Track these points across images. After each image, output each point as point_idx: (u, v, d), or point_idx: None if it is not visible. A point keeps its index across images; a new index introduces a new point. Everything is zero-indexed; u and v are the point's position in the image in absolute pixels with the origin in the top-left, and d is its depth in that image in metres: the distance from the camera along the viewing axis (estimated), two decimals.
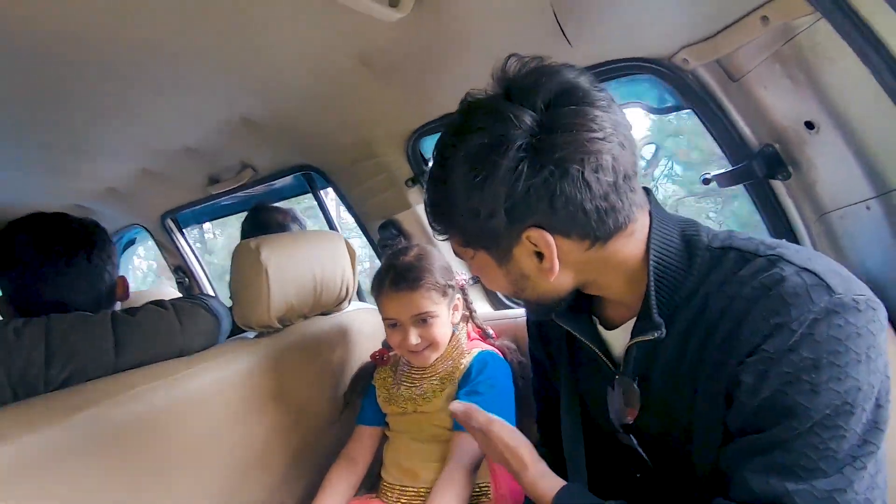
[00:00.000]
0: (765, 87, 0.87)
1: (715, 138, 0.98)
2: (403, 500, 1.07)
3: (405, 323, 1.04)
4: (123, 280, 1.13)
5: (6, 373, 0.78)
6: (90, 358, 0.86)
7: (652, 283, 0.64)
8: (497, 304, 1.59)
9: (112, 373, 0.88)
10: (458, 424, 0.98)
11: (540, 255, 0.63)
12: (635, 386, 0.70)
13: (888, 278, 0.80)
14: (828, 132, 0.82)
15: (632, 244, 0.66)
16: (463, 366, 1.08)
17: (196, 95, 1.24)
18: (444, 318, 1.06)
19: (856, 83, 0.73)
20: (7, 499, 0.68)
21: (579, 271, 0.66)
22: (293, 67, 1.13)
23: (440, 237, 0.70)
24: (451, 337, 1.11)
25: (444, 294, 1.06)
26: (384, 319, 1.08)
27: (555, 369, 0.87)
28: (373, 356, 1.22)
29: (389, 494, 1.09)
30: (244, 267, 1.07)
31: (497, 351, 1.14)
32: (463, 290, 1.17)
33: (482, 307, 1.59)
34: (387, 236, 1.58)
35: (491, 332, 1.21)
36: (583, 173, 0.57)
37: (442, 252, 1.14)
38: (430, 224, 0.70)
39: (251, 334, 1.12)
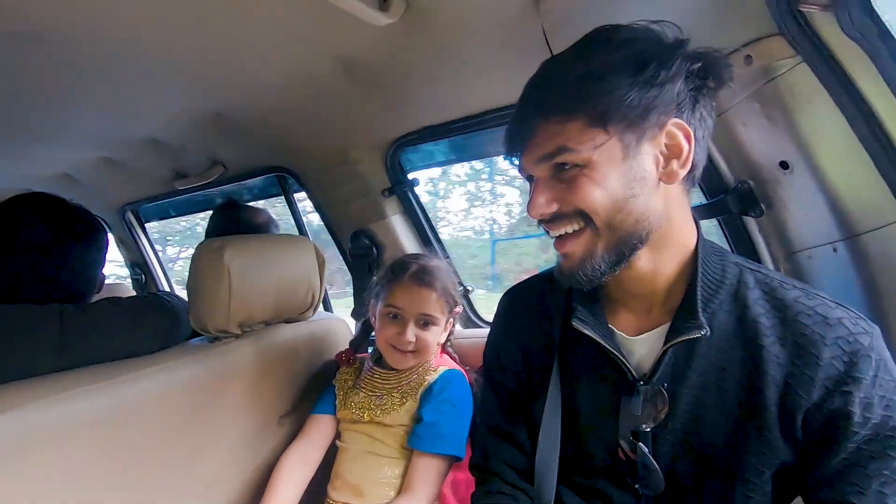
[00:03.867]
0: (743, 125, 0.89)
1: None
2: None
3: (409, 318, 1.04)
4: (103, 278, 1.08)
5: None
6: (29, 354, 0.79)
7: (699, 280, 0.66)
8: (467, 322, 1.57)
9: (52, 371, 0.81)
10: (422, 443, 0.97)
11: (666, 158, 0.64)
12: (664, 392, 0.68)
13: None
14: (801, 173, 0.84)
15: (690, 225, 0.70)
16: (428, 380, 1.06)
17: (168, 86, 1.18)
18: (440, 331, 1.08)
19: (830, 127, 0.76)
20: None
21: (666, 208, 0.66)
22: (273, 65, 1.09)
23: (572, 114, 0.62)
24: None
25: (449, 311, 1.08)
26: (386, 308, 1.07)
27: (525, 375, 0.83)
28: (338, 355, 1.20)
29: None
30: (205, 267, 1.01)
31: (462, 371, 1.12)
32: (454, 319, 1.16)
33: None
34: (359, 246, 1.54)
35: (455, 356, 1.20)
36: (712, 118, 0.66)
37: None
38: (551, 99, 0.64)
39: (207, 339, 1.06)
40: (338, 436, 1.12)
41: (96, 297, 1.00)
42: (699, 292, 0.66)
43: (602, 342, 0.70)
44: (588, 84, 0.61)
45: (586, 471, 0.77)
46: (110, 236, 2.44)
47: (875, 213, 0.75)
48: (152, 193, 2.03)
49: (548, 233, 0.70)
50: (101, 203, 2.22)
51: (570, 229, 0.66)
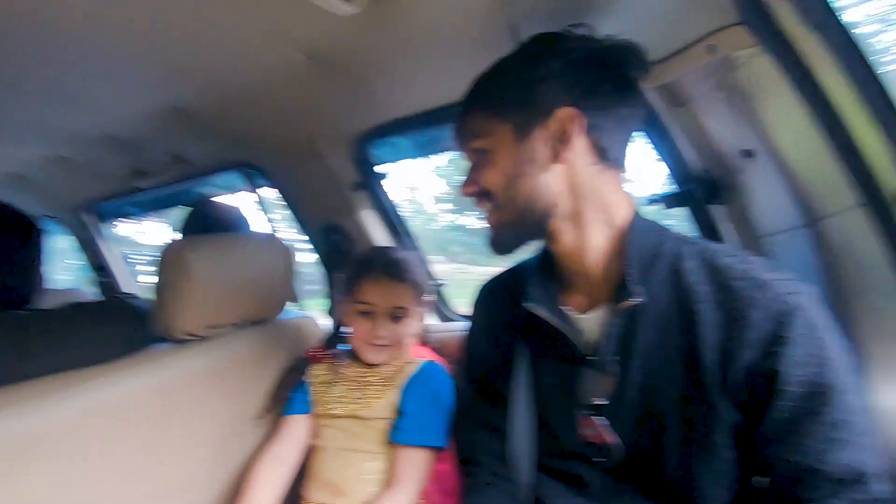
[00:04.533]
0: (706, 114, 0.90)
1: (663, 160, 1.01)
2: None
3: (380, 313, 1.02)
4: (41, 277, 1.03)
5: None
6: None
7: (629, 252, 0.71)
8: (444, 317, 1.56)
9: (15, 380, 0.77)
10: (406, 436, 0.97)
11: (554, 141, 0.71)
12: (613, 364, 0.70)
13: None
14: (763, 160, 0.86)
15: (619, 205, 0.74)
16: (407, 372, 1.04)
17: (122, 79, 1.13)
18: (414, 323, 1.06)
19: (791, 115, 0.77)
20: None
21: (572, 186, 0.72)
22: (234, 56, 1.05)
23: (477, 108, 0.76)
24: None
25: (420, 303, 1.07)
26: (356, 305, 1.04)
27: (500, 365, 0.85)
28: (308, 353, 1.16)
29: None
30: (170, 269, 0.98)
31: (442, 362, 1.11)
32: (426, 308, 1.14)
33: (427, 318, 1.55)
34: (334, 242, 1.52)
35: (433, 347, 1.18)
36: (625, 103, 0.73)
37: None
38: (471, 96, 0.77)
39: (170, 344, 1.02)
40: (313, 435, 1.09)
41: (55, 302, 0.95)
42: (631, 264, 0.70)
43: (551, 320, 0.75)
44: (489, 82, 0.76)
45: (560, 455, 0.78)
46: (66, 239, 2.35)
47: (834, 199, 0.77)
48: (111, 192, 1.95)
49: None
50: (57, 203, 2.12)
51: (486, 206, 0.77)
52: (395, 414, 1.01)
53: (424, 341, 1.18)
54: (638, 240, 0.72)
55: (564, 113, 0.69)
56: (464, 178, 0.78)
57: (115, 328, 0.92)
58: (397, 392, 1.02)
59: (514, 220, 0.75)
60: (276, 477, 1.02)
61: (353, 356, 1.10)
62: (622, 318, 0.70)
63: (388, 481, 0.97)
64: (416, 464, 0.97)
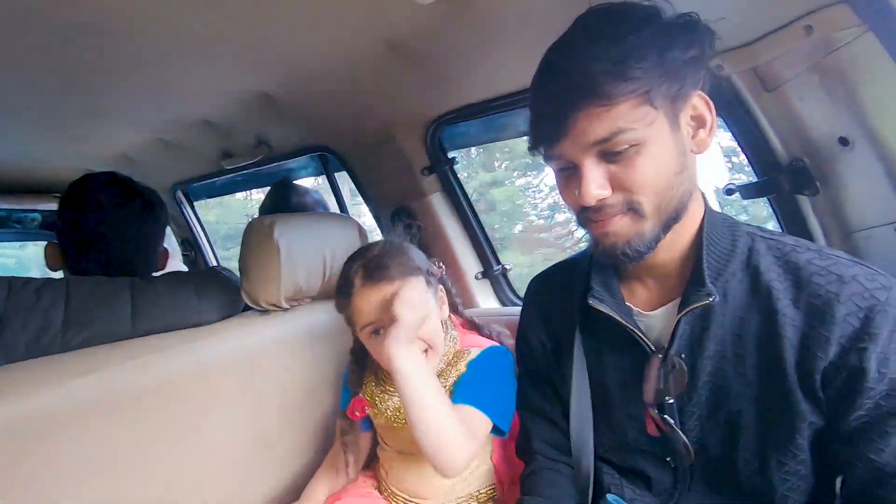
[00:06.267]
0: (801, 99, 0.85)
1: (743, 149, 0.96)
2: None
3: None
4: (166, 252, 1.14)
5: (22, 333, 0.78)
6: (107, 323, 0.86)
7: (705, 248, 0.68)
8: (506, 300, 1.58)
9: (127, 339, 0.88)
10: (456, 398, 0.87)
11: (694, 129, 0.67)
12: (682, 363, 0.69)
13: None
14: (861, 149, 0.80)
15: (699, 199, 0.71)
16: (459, 370, 0.93)
17: (216, 68, 1.22)
18: (435, 314, 0.91)
19: (894, 101, 0.72)
20: (15, 452, 0.68)
21: (694, 176, 0.68)
22: (316, 46, 1.11)
23: (621, 96, 0.60)
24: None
25: (429, 284, 0.92)
26: (362, 329, 0.90)
27: (554, 358, 0.86)
28: (350, 413, 0.96)
29: (392, 502, 1.01)
30: (256, 243, 1.06)
31: (495, 342, 1.01)
32: (443, 280, 1.01)
33: (487, 302, 1.58)
34: (401, 224, 1.57)
35: (478, 321, 1.07)
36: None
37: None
38: (608, 80, 0.60)
39: (258, 311, 1.12)
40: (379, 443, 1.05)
41: (161, 272, 1.07)
42: (706, 261, 0.67)
43: (619, 318, 0.72)
44: (630, 64, 0.60)
45: (623, 450, 0.78)
46: None
47: None
48: (201, 172, 2.11)
49: (586, 224, 0.70)
50: (154, 182, 2.30)
51: (615, 212, 0.66)
52: None
53: (466, 320, 1.08)
54: (713, 235, 0.69)
55: (699, 97, 0.66)
56: (587, 181, 0.64)
57: (211, 296, 1.02)
58: (455, 379, 0.93)
59: (659, 225, 0.66)
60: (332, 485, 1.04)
61: None
62: (693, 317, 0.68)
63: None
64: (468, 421, 0.83)
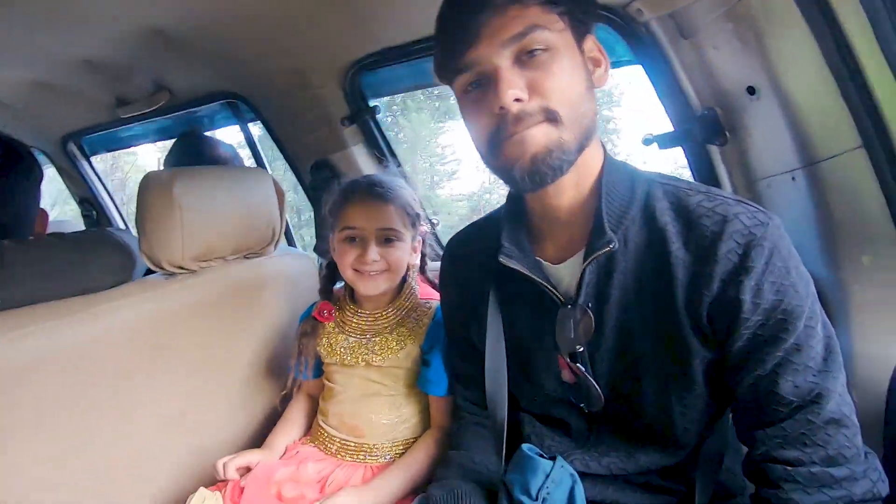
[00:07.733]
0: (714, 48, 0.86)
1: (660, 98, 0.97)
2: (346, 455, 1.01)
3: (368, 237, 0.95)
4: (44, 214, 1.01)
5: None
6: None
7: (603, 198, 0.68)
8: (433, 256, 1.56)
9: None
10: (438, 388, 0.97)
11: (592, 66, 0.68)
12: (590, 311, 0.70)
13: (807, 250, 0.83)
14: (767, 99, 0.83)
15: (599, 147, 0.72)
16: (425, 324, 1.01)
17: None
18: (406, 247, 0.99)
19: (801, 51, 0.73)
20: None
21: (595, 111, 0.68)
22: None
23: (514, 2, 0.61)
24: (405, 283, 1.04)
25: (412, 225, 1.00)
26: (341, 231, 0.98)
27: (471, 316, 0.86)
28: (317, 314, 1.04)
29: (329, 445, 1.02)
30: (154, 200, 0.95)
31: None
32: (423, 240, 1.07)
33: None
34: (320, 178, 1.49)
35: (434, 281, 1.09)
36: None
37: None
38: None
39: (162, 275, 1.02)
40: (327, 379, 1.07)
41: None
42: (605, 208, 0.68)
43: (528, 272, 0.72)
44: None
45: (543, 400, 0.81)
46: (52, 170, 2.30)
47: (835, 141, 0.75)
48: (95, 122, 1.88)
49: (501, 144, 0.65)
50: (39, 133, 2.05)
51: (535, 120, 0.63)
52: (415, 364, 1.00)
53: (430, 283, 1.11)
54: (612, 182, 0.70)
55: (593, 41, 0.68)
56: (503, 83, 0.61)
57: (98, 259, 0.91)
58: (417, 343, 1.00)
59: (575, 140, 0.64)
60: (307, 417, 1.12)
61: (354, 298, 1.06)
62: (597, 266, 0.69)
63: (432, 423, 1.01)
64: (445, 410, 0.98)
